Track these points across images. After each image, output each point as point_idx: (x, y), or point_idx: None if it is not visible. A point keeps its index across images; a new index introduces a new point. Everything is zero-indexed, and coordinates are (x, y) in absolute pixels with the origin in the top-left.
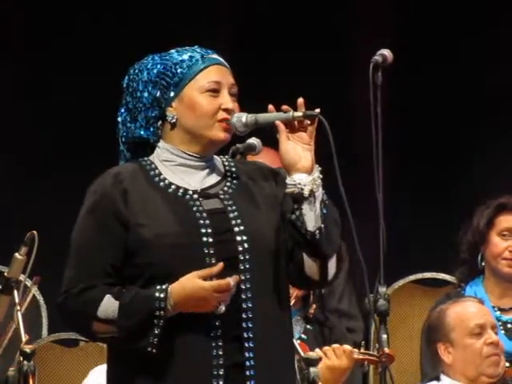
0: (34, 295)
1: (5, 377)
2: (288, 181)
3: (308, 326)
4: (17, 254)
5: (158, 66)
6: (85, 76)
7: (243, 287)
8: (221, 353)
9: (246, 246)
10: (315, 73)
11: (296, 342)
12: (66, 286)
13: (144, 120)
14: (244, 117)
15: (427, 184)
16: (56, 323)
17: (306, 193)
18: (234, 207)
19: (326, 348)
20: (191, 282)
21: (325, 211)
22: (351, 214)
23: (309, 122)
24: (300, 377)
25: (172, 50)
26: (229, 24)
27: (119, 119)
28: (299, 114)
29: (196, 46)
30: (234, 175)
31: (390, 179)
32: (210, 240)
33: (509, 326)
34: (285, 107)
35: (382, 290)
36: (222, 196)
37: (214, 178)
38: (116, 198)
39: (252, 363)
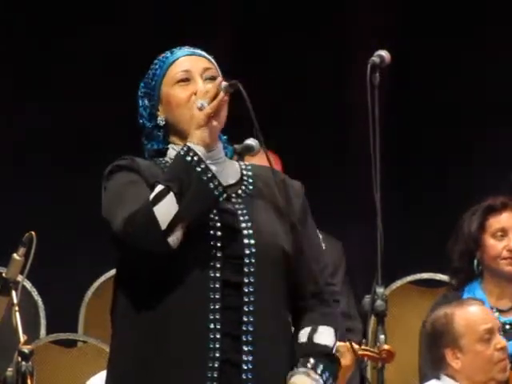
0: (32, 295)
1: (3, 377)
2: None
3: None
4: (15, 255)
5: (144, 78)
6: (84, 78)
7: (246, 290)
8: (218, 346)
9: (252, 250)
10: (314, 73)
11: None
12: (123, 213)
13: (150, 133)
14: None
15: (426, 184)
16: (54, 323)
17: None
18: (244, 211)
19: None
20: None
21: None
22: (348, 214)
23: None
24: None
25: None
26: (229, 24)
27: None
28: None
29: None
30: (250, 180)
31: (389, 179)
32: (219, 233)
33: (507, 327)
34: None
35: (380, 290)
36: (234, 200)
37: (230, 180)
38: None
39: (250, 366)
